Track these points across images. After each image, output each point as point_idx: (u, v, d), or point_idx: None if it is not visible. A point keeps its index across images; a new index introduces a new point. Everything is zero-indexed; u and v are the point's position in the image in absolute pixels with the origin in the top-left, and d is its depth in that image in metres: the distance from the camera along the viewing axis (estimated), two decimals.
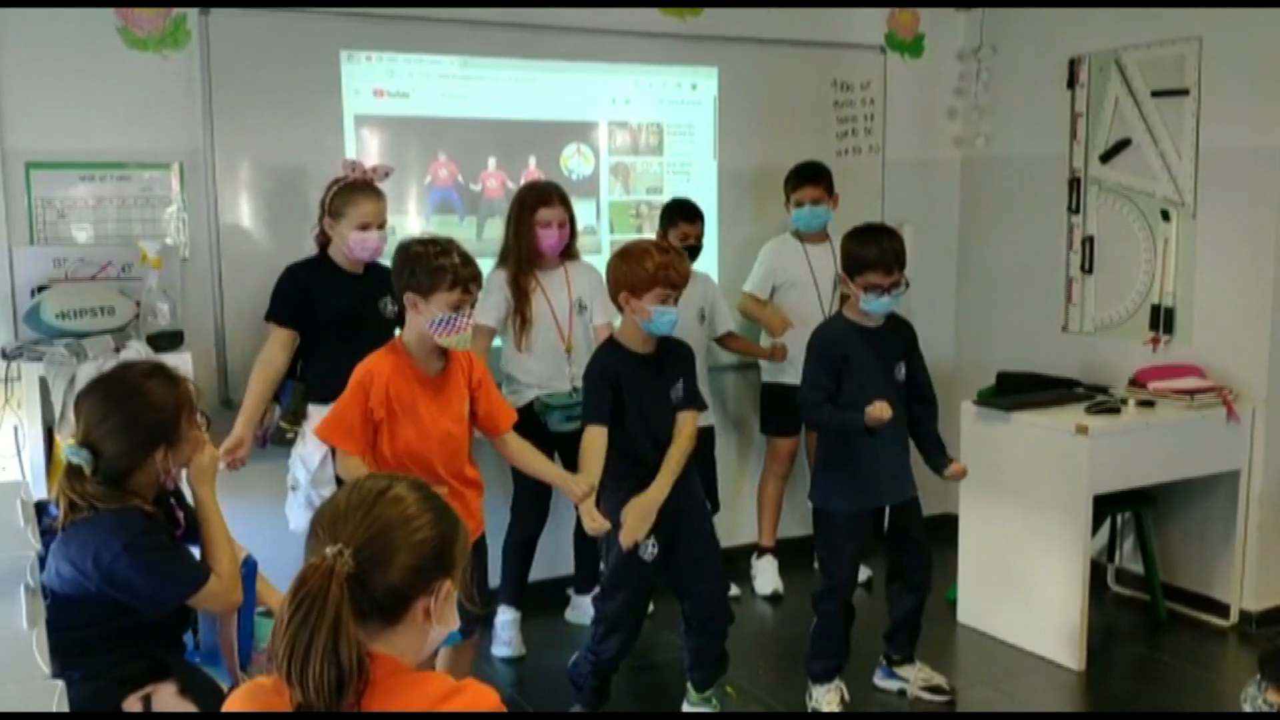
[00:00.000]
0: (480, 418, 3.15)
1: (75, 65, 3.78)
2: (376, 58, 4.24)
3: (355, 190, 3.68)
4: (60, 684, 1.79)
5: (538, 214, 3.98)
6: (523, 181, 4.44)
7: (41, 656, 1.91)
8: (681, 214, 4.47)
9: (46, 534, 2.40)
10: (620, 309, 3.39)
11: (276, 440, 3.75)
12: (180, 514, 2.56)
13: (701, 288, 4.42)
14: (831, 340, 3.60)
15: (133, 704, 2.35)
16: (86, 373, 3.14)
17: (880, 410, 3.38)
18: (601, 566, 3.59)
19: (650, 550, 3.38)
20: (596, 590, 3.61)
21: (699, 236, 4.46)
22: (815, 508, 3.73)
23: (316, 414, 3.60)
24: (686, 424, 3.43)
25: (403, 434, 2.96)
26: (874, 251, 3.47)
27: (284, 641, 1.47)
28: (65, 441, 2.45)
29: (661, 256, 3.30)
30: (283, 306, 3.70)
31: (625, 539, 3.31)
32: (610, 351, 3.43)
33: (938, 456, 3.69)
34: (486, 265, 4.05)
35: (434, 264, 2.93)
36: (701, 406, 3.55)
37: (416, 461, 2.96)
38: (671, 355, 3.44)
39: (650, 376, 3.39)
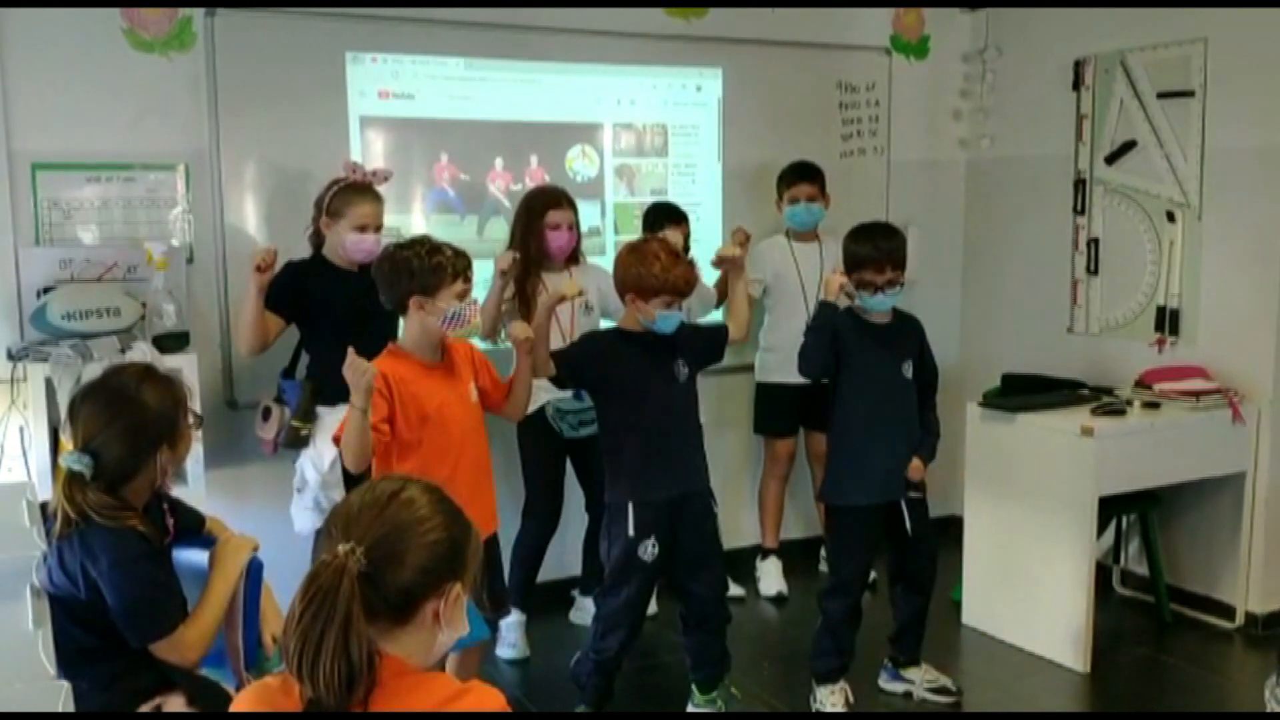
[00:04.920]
0: (489, 394, 3.24)
1: (81, 67, 3.78)
2: (381, 59, 4.24)
3: (355, 192, 3.68)
4: (65, 685, 1.81)
5: (548, 216, 3.99)
6: (526, 179, 4.45)
7: (47, 657, 1.92)
8: (668, 217, 4.40)
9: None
10: (624, 303, 3.44)
11: (290, 442, 3.67)
12: (171, 520, 2.55)
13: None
14: (838, 321, 3.63)
15: None
16: (92, 374, 3.13)
17: (830, 281, 3.59)
18: None
19: (650, 549, 3.40)
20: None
21: (687, 237, 4.41)
22: (827, 505, 3.76)
23: (325, 415, 3.60)
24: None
25: (417, 419, 3.00)
26: (867, 249, 3.55)
27: (295, 637, 1.48)
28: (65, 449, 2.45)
29: (669, 262, 3.33)
30: (274, 292, 3.64)
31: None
32: (611, 333, 3.54)
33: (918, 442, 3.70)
34: (487, 265, 4.07)
35: (430, 263, 2.99)
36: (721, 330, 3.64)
37: (436, 446, 3.02)
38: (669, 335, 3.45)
39: (647, 356, 3.41)
